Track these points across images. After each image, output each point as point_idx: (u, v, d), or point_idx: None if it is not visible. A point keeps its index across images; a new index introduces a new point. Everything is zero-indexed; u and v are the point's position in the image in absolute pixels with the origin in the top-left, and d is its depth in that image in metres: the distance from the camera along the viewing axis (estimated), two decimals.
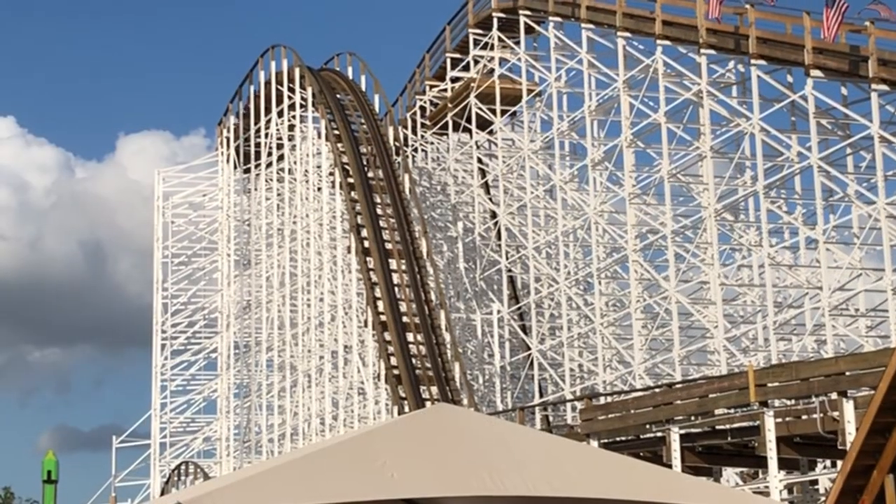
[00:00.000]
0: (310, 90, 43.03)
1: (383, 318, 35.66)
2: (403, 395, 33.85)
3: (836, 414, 18.40)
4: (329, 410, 40.81)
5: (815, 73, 28.27)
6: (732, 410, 20.96)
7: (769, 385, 19.93)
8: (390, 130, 41.51)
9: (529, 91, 39.72)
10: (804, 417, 19.45)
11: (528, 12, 38.57)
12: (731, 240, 34.17)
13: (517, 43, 39.58)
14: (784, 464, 20.69)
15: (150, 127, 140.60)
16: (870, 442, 14.10)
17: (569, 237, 38.16)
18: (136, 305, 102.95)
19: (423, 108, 45.14)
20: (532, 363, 38.56)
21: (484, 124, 41.90)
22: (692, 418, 21.65)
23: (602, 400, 27.67)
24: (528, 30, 39.19)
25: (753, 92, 30.16)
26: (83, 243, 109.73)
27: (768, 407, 19.64)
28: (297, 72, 44.46)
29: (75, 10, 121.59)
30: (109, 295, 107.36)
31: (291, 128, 45.92)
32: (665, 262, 33.49)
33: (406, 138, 44.36)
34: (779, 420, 19.64)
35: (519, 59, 39.81)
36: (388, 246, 37.51)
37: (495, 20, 40.14)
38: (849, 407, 18.03)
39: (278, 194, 47.93)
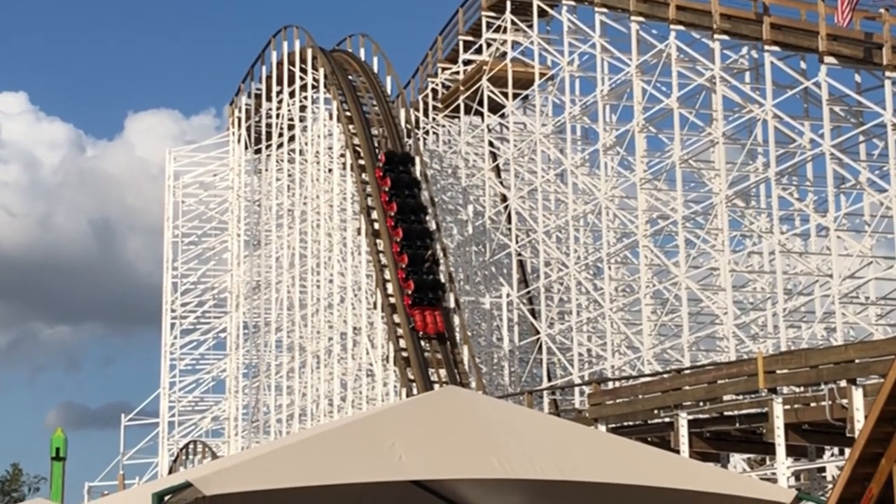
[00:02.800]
0: (322, 71, 42.96)
1: (392, 300, 35.70)
2: (412, 377, 33.89)
3: (844, 402, 18.42)
4: (337, 392, 40.95)
5: (829, 59, 28.16)
6: (741, 397, 21.04)
7: (778, 372, 19.98)
8: (402, 112, 41.46)
9: (542, 75, 39.64)
10: (813, 405, 19.54)
11: None
12: (741, 226, 34.13)
13: (530, 26, 39.47)
14: (792, 451, 20.70)
15: (158, 105, 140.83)
16: (878, 430, 14.05)
17: (579, 222, 38.11)
18: (145, 284, 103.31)
19: (434, 91, 45.09)
20: (541, 347, 38.49)
21: (496, 108, 41.88)
22: (700, 404, 21.74)
23: (611, 385, 27.77)
24: (542, 13, 38.99)
25: (766, 78, 30.07)
26: (93, 221, 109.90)
27: (777, 394, 19.70)
28: (309, 52, 44.37)
29: None
30: (119, 273, 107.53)
31: (303, 109, 45.90)
32: (675, 248, 33.47)
33: (417, 121, 44.25)
34: (787, 407, 19.71)
35: (532, 43, 39.73)
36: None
37: (508, 3, 39.82)
38: (858, 395, 18.08)
39: (289, 175, 47.97)
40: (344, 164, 41.12)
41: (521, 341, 40.78)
